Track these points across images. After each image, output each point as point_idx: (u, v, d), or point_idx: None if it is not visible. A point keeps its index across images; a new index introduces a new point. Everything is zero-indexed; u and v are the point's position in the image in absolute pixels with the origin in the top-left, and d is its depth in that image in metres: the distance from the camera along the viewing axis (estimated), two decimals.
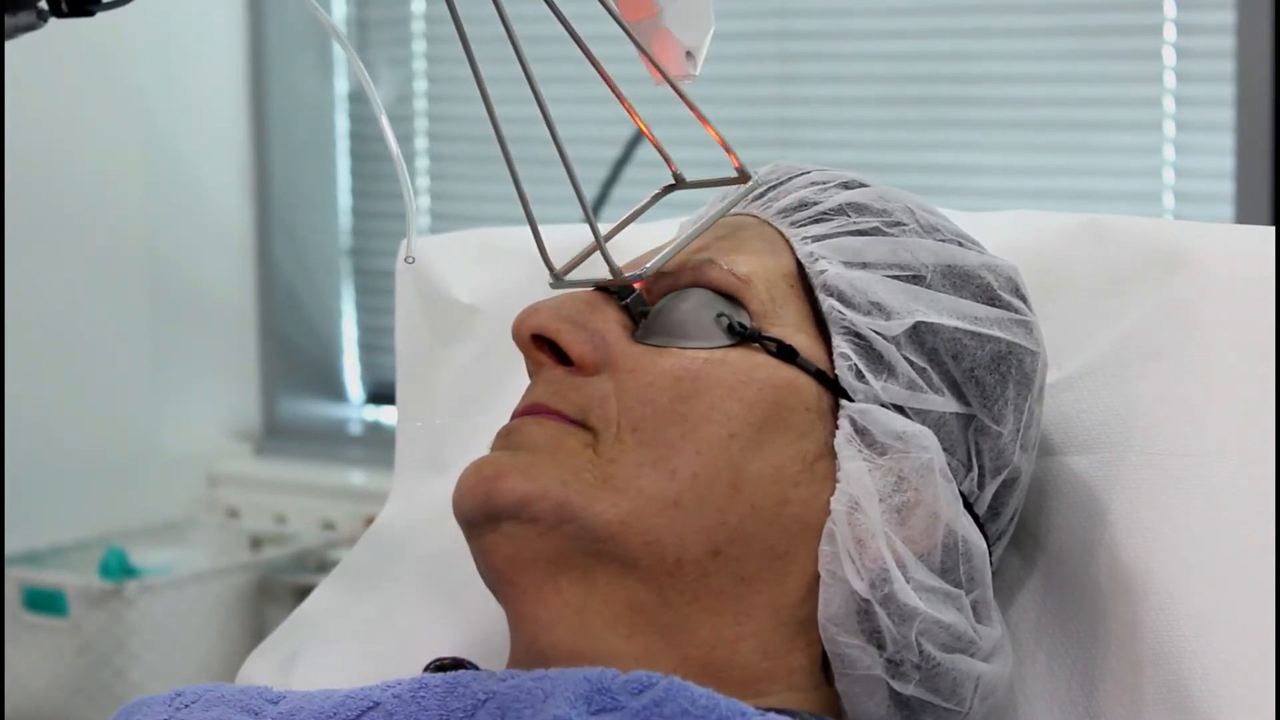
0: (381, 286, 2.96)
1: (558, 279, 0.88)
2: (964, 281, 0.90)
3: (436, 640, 1.09)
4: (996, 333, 0.89)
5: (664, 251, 0.90)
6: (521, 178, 0.87)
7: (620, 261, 0.88)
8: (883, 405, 0.86)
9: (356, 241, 3.02)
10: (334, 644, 1.14)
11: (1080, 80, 2.43)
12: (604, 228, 0.90)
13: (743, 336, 0.86)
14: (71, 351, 2.70)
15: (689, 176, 0.93)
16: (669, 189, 0.95)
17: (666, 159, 0.92)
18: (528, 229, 0.89)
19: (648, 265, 0.89)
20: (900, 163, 2.56)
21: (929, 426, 0.87)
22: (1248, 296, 0.99)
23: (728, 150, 0.90)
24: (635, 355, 0.86)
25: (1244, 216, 2.20)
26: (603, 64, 0.87)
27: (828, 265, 0.88)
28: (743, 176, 0.91)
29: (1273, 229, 1.02)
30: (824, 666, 0.88)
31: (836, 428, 0.86)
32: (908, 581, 0.85)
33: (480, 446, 0.89)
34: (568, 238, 1.06)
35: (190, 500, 2.89)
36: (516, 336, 0.88)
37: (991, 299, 0.90)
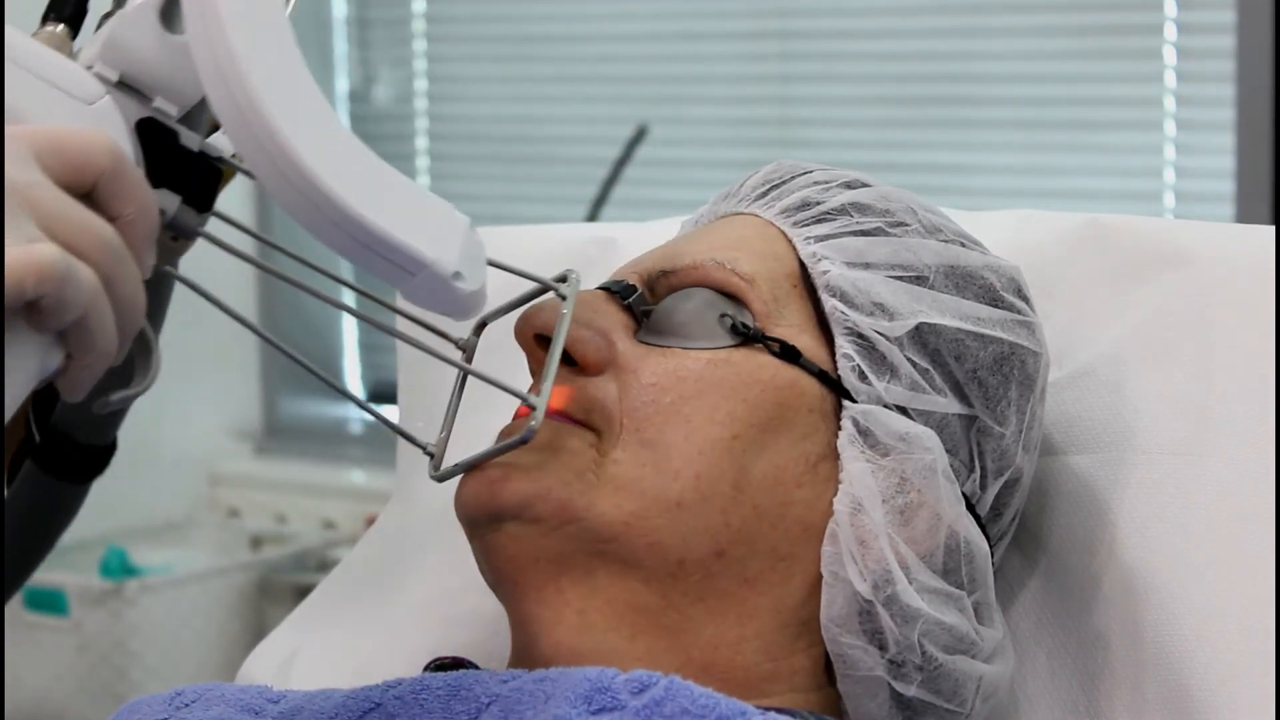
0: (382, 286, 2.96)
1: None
2: (966, 282, 0.90)
3: (436, 639, 1.09)
4: (999, 334, 0.89)
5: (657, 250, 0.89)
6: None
7: (619, 261, 0.88)
8: (885, 406, 0.86)
9: None
10: (333, 643, 1.14)
11: (1080, 80, 2.43)
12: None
13: (746, 337, 0.86)
14: None
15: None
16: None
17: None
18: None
19: (622, 266, 0.88)
20: (901, 163, 2.56)
21: (931, 427, 0.87)
22: (1248, 296, 0.99)
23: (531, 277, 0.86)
24: (639, 355, 0.86)
25: (1244, 216, 2.20)
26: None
27: (830, 265, 0.88)
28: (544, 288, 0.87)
29: (1273, 229, 1.02)
30: (826, 667, 0.87)
31: (839, 429, 0.86)
32: (910, 583, 0.85)
33: (481, 446, 0.89)
34: (568, 237, 1.06)
35: (190, 500, 2.89)
36: (519, 336, 0.88)
37: (994, 300, 0.90)
